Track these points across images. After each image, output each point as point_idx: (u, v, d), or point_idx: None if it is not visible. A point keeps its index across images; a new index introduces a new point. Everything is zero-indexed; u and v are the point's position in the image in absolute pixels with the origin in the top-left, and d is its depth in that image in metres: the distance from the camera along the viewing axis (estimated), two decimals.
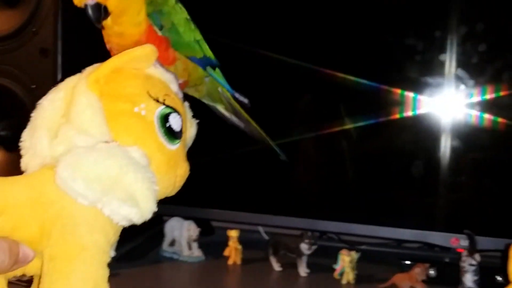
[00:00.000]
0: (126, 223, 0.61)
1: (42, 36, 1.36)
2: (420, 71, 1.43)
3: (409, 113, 1.42)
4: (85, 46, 1.46)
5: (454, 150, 1.39)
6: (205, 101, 1.14)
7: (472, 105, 1.38)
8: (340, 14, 1.50)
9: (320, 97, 1.55)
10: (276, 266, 1.44)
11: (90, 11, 0.88)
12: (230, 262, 1.47)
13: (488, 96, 1.36)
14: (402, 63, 1.46)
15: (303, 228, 1.45)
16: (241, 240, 1.48)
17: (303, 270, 1.39)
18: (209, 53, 1.08)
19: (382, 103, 1.46)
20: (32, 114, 0.70)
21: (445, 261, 1.45)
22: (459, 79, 1.37)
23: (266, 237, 1.54)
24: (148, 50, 0.71)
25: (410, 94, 1.42)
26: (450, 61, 1.38)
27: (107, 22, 0.96)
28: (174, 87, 0.79)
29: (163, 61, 0.92)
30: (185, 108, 0.80)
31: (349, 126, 1.48)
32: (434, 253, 1.53)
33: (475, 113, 1.37)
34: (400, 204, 1.47)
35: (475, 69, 1.38)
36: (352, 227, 1.46)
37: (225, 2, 1.54)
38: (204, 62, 1.04)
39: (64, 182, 0.59)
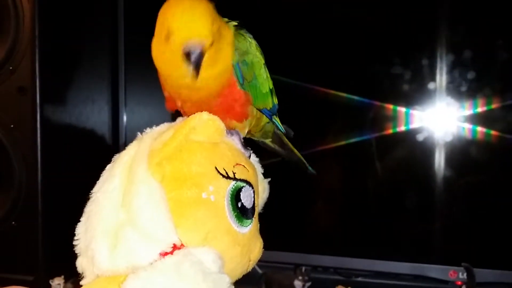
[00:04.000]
0: None
1: (20, 74, 1.31)
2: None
3: (402, 129, 1.39)
4: (64, 83, 1.44)
5: (450, 173, 1.35)
6: (254, 138, 0.98)
7: (466, 119, 1.35)
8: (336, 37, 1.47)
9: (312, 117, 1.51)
10: None
11: (194, 59, 0.68)
12: None
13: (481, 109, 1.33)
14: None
15: (296, 263, 1.40)
16: None
17: None
18: (276, 99, 0.92)
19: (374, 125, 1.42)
20: (87, 208, 0.63)
21: None
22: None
23: (259, 270, 1.49)
24: (205, 119, 0.65)
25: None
26: (440, 74, 1.35)
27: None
28: (239, 146, 0.73)
29: (236, 118, 0.81)
30: (256, 171, 0.72)
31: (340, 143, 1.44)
32: (432, 285, 1.48)
33: (468, 127, 1.34)
34: (396, 236, 1.42)
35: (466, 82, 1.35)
36: (347, 261, 1.41)
37: None
38: (272, 112, 0.91)
39: None
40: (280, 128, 0.96)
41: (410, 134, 1.40)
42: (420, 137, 1.38)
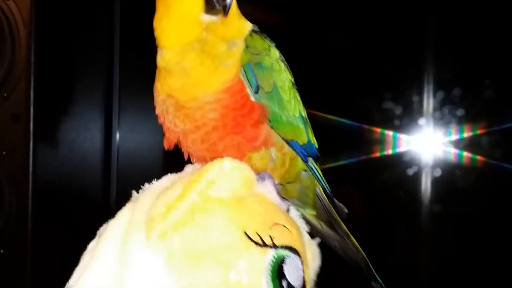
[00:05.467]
0: None
1: (14, 101, 1.31)
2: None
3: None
4: (58, 111, 1.43)
5: (436, 209, 1.36)
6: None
7: (452, 144, 1.35)
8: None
9: None
10: None
11: None
12: None
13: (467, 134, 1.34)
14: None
15: None
16: None
17: None
18: (314, 139, 0.72)
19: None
20: None
21: None
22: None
23: None
24: (228, 168, 0.45)
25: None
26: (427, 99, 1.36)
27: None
28: (274, 195, 0.51)
29: (250, 146, 0.60)
30: (301, 232, 0.50)
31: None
32: None
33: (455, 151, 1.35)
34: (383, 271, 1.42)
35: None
36: None
37: None
38: (307, 151, 0.69)
39: None
40: (322, 181, 0.72)
41: (396, 167, 1.40)
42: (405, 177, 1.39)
